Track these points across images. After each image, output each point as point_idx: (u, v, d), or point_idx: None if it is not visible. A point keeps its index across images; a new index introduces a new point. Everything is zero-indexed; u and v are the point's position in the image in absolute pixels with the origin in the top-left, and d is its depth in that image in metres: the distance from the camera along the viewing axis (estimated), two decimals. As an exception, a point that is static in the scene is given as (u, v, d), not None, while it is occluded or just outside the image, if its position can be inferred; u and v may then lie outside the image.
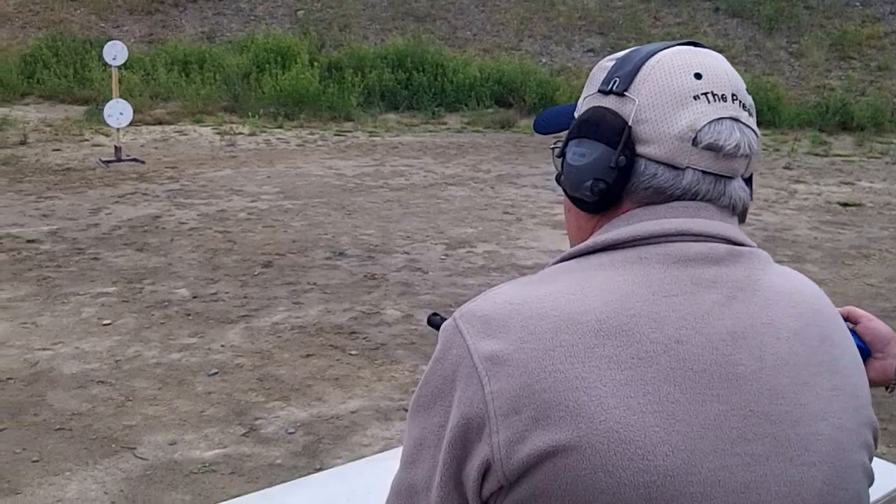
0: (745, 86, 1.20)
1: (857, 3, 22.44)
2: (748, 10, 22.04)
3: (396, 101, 18.56)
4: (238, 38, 20.60)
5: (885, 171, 14.50)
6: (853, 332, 1.57)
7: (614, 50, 1.29)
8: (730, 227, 1.15)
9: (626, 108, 1.17)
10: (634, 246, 1.12)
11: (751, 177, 1.23)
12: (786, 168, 14.32)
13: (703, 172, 1.14)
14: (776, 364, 1.07)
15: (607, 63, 1.25)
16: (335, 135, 15.83)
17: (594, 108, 1.21)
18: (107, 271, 7.10)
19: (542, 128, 1.42)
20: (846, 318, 1.61)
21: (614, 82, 1.20)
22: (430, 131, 16.92)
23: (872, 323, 1.59)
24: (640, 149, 1.15)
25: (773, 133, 17.48)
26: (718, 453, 1.02)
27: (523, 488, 1.02)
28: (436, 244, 8.39)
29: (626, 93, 1.17)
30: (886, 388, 1.58)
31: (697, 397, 1.02)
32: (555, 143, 1.30)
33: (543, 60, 20.87)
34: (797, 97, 19.22)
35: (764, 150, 15.93)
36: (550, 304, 1.06)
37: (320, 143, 14.96)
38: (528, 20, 22.28)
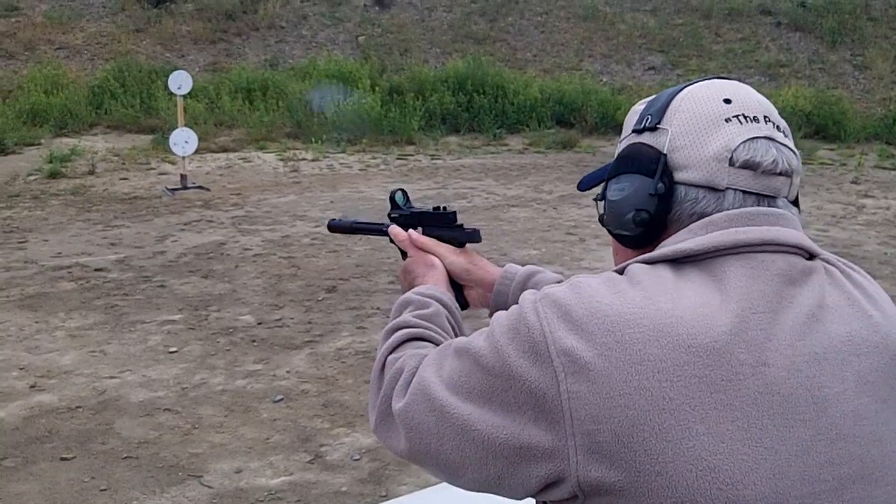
0: (776, 111, 1.20)
1: (924, 13, 22.02)
2: (810, 23, 21.74)
3: (457, 123, 18.59)
4: (300, 65, 20.84)
5: (958, 183, 14.15)
6: None
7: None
8: (804, 237, 1.13)
9: (661, 140, 1.17)
10: (717, 256, 1.09)
11: (796, 200, 1.20)
12: (853, 182, 14.05)
13: (745, 192, 1.13)
14: (858, 383, 1.05)
15: (639, 106, 1.27)
16: (397, 158, 15.90)
17: (629, 145, 1.22)
18: (173, 299, 7.19)
19: (584, 185, 1.46)
20: None
21: (647, 119, 1.21)
22: (492, 153, 16.92)
23: None
24: (679, 175, 1.15)
25: (839, 147, 17.18)
26: (807, 480, 0.99)
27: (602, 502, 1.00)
28: (499, 266, 8.34)
29: (658, 126, 1.18)
30: None
31: (785, 423, 0.99)
32: (595, 196, 1.30)
33: (604, 79, 20.79)
34: (863, 110, 18.88)
35: (830, 164, 15.69)
36: (641, 312, 1.03)
37: (382, 167, 15.03)
38: (588, 39, 22.23)
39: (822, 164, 15.74)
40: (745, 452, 0.97)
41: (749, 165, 1.12)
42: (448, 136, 18.16)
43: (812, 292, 1.08)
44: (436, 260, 1.67)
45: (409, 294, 1.51)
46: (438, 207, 1.76)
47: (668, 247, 1.12)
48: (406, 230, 1.74)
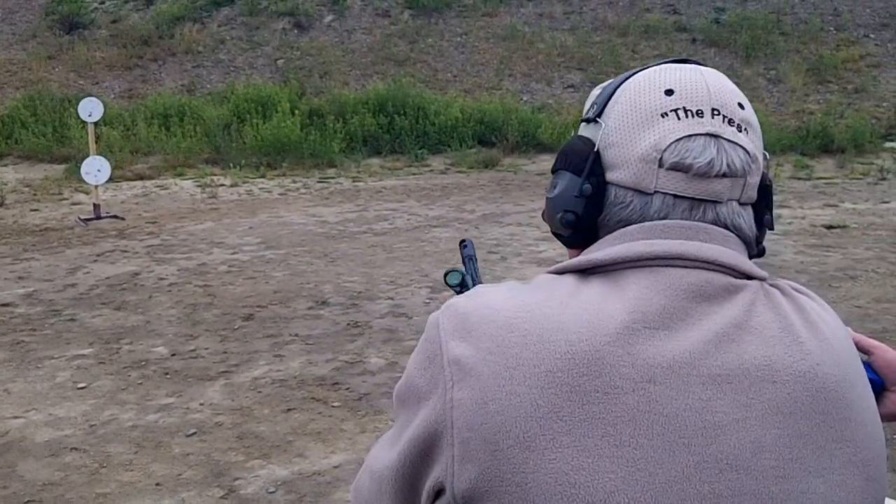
0: (739, 101, 1.09)
1: (832, 28, 22.56)
2: (725, 39, 22.14)
3: (379, 145, 18.52)
4: (218, 90, 20.61)
5: (868, 191, 14.47)
6: (866, 364, 1.46)
7: (594, 85, 1.20)
8: (731, 253, 1.02)
9: (597, 134, 1.09)
10: (624, 268, 1.01)
11: (765, 202, 1.11)
12: (770, 194, 14.27)
13: (675, 196, 1.03)
14: (767, 412, 0.94)
15: (596, 91, 1.17)
16: (318, 182, 15.77)
17: (572, 137, 1.14)
18: (83, 332, 6.97)
19: None
20: (855, 347, 1.50)
21: (592, 108, 1.12)
22: (414, 174, 16.87)
23: (888, 354, 1.45)
24: (609, 175, 1.06)
25: (756, 159, 17.46)
26: None
27: None
28: (420, 288, 8.28)
29: (598, 118, 1.10)
30: None
31: (665, 445, 0.90)
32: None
33: (524, 98, 20.89)
34: (778, 122, 19.24)
35: (747, 177, 15.93)
36: (525, 317, 0.96)
37: (303, 191, 14.88)
38: (508, 59, 22.34)
39: (739, 176, 15.96)
40: (612, 471, 0.89)
41: (679, 167, 1.02)
42: (370, 158, 18.08)
43: (731, 311, 0.98)
44: None
45: None
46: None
47: (581, 256, 1.05)
48: None
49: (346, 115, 18.70)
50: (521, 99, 20.83)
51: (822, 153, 17.81)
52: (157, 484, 4.47)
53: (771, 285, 1.06)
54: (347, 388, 5.75)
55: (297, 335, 6.86)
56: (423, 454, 0.98)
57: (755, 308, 1.00)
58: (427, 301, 7.79)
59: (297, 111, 18.20)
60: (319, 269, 9.09)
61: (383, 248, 10.17)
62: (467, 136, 18.58)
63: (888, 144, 18.36)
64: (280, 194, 14.50)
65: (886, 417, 1.48)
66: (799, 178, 15.97)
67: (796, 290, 1.08)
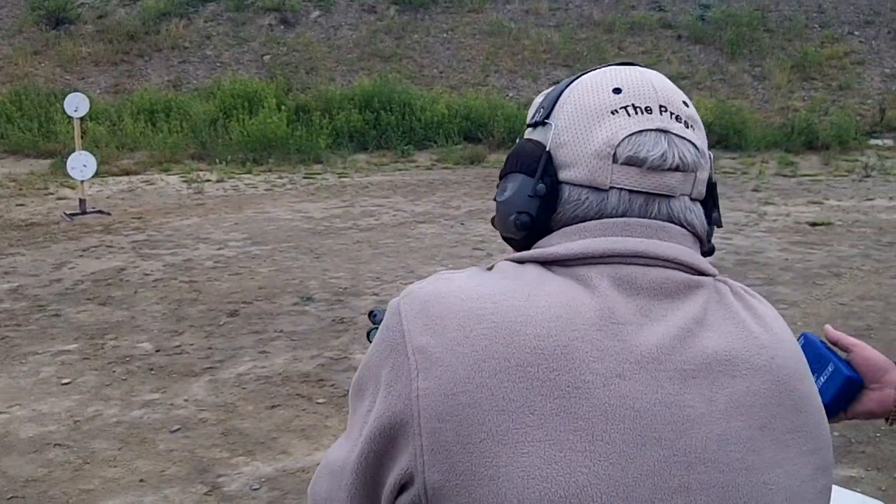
0: (683, 99, 1.11)
1: (816, 25, 22.65)
2: (710, 35, 22.20)
3: (365, 141, 18.52)
4: (204, 86, 20.56)
5: (852, 188, 14.55)
6: (846, 361, 1.49)
7: None
8: (688, 252, 1.05)
9: (547, 135, 1.10)
10: (586, 264, 1.02)
11: (711, 200, 1.13)
12: (754, 190, 14.35)
13: (630, 192, 1.04)
14: (729, 406, 0.97)
15: (538, 98, 1.19)
16: (304, 178, 15.76)
17: (519, 141, 1.15)
18: (68, 328, 6.95)
19: None
20: (835, 344, 1.52)
21: (538, 112, 1.14)
22: (400, 170, 16.88)
23: (867, 352, 1.48)
24: (562, 174, 1.08)
25: (740, 156, 17.55)
26: None
27: None
28: (405, 284, 8.27)
29: (546, 120, 1.11)
30: (886, 420, 1.48)
31: (636, 440, 0.92)
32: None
33: (510, 94, 20.92)
34: (763, 119, 19.32)
35: (732, 173, 16.01)
36: (493, 307, 0.96)
37: (289, 186, 14.87)
38: (494, 55, 22.36)
39: (724, 172, 16.03)
40: (585, 465, 0.90)
41: (633, 161, 1.03)
42: (356, 154, 18.08)
43: (691, 308, 1.01)
44: None
45: None
46: None
47: (540, 248, 1.06)
48: None
49: (332, 110, 18.69)
50: (507, 95, 20.86)
51: (806, 150, 17.90)
52: (141, 480, 4.48)
53: (721, 282, 1.08)
54: (332, 385, 5.76)
55: (282, 331, 6.87)
56: (386, 445, 0.98)
57: (710, 305, 1.03)
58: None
59: (283, 107, 18.19)
60: (305, 265, 9.09)
61: (369, 244, 10.17)
62: (453, 132, 18.60)
63: (872, 142, 18.46)
64: (266, 190, 14.48)
65: (865, 414, 1.50)
66: (783, 175, 16.03)
67: (743, 289, 1.11)
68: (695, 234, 1.09)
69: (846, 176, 15.89)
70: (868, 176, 15.75)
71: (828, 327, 1.58)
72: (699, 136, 1.10)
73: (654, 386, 0.94)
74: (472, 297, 0.98)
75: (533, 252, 1.06)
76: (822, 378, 1.48)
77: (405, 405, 0.95)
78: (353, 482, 1.03)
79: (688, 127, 1.08)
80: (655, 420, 0.93)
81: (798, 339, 1.55)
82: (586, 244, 1.03)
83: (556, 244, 1.06)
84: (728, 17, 22.45)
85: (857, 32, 22.31)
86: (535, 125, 1.14)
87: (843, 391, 1.46)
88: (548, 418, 0.91)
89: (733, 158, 17.36)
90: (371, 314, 1.67)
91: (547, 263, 1.04)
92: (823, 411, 1.09)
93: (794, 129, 18.38)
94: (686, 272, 1.04)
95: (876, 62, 21.44)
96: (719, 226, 1.15)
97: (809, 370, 1.10)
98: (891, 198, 13.57)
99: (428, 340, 0.96)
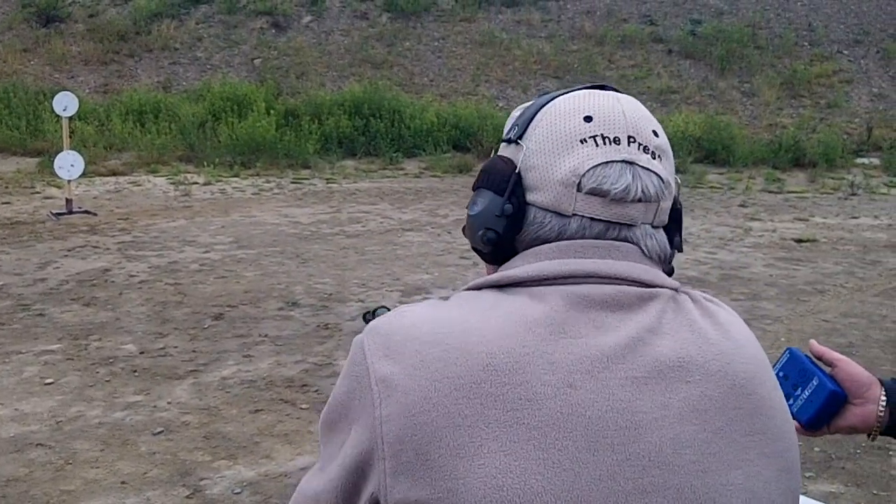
0: (654, 128, 1.13)
1: (806, 43, 22.80)
2: (700, 51, 22.32)
3: (354, 147, 18.52)
4: (194, 88, 20.54)
5: (838, 206, 14.63)
6: (830, 376, 1.51)
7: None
8: (642, 268, 1.07)
9: (518, 156, 1.13)
10: (543, 284, 1.05)
11: (675, 225, 1.15)
12: (741, 206, 14.41)
13: (592, 219, 1.07)
14: (683, 410, 1.00)
15: (516, 112, 1.21)
16: (292, 182, 15.75)
17: (492, 157, 1.18)
18: (52, 328, 6.93)
19: None
20: (820, 359, 1.54)
21: (514, 130, 1.16)
22: (388, 177, 16.89)
23: (851, 367, 1.51)
24: (529, 196, 1.11)
25: (728, 171, 17.63)
26: None
27: None
28: (391, 291, 8.30)
29: (520, 140, 1.13)
30: (868, 436, 1.51)
31: (589, 446, 0.95)
32: None
33: (500, 104, 20.97)
34: (751, 135, 19.42)
35: (719, 188, 16.07)
36: (447, 331, 1.01)
37: (276, 191, 14.86)
38: (485, 65, 22.42)
39: (711, 187, 16.11)
40: (539, 473, 0.93)
41: (597, 192, 1.06)
42: (344, 159, 18.08)
43: (644, 317, 1.04)
44: None
45: None
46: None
47: (499, 273, 1.10)
48: None
49: (321, 116, 18.70)
50: (497, 105, 20.91)
51: (793, 167, 18.00)
52: (123, 482, 4.47)
53: (683, 293, 1.11)
54: (316, 391, 5.76)
55: (266, 336, 6.86)
56: (357, 476, 1.02)
57: (665, 314, 1.05)
58: (397, 305, 7.80)
59: (272, 111, 18.18)
60: (291, 269, 9.09)
61: (355, 250, 10.17)
62: (442, 140, 18.63)
63: (859, 160, 18.58)
64: (253, 194, 14.47)
65: (847, 429, 1.52)
66: (770, 192, 16.11)
67: (706, 298, 1.13)
68: (652, 258, 1.11)
69: (832, 193, 15.99)
70: (854, 194, 15.85)
71: (813, 342, 1.60)
72: (666, 167, 1.12)
73: (605, 393, 0.97)
74: (428, 323, 1.03)
75: (489, 278, 1.10)
76: (806, 392, 1.50)
77: (371, 434, 0.99)
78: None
79: (654, 157, 1.10)
80: (607, 426, 0.96)
81: (783, 354, 1.58)
82: (541, 266, 1.06)
83: (514, 267, 1.09)
84: (719, 33, 22.58)
85: (846, 51, 22.47)
86: (509, 142, 1.16)
87: (827, 405, 1.48)
88: (502, 430, 0.94)
89: (721, 173, 17.45)
90: (365, 316, 1.69)
91: (503, 287, 1.08)
92: (789, 414, 1.11)
93: (782, 145, 18.49)
94: (640, 286, 1.06)
95: (864, 81, 21.59)
96: (679, 250, 1.18)
97: (774, 375, 1.12)
98: (876, 216, 13.66)
99: (390, 369, 1.00)
